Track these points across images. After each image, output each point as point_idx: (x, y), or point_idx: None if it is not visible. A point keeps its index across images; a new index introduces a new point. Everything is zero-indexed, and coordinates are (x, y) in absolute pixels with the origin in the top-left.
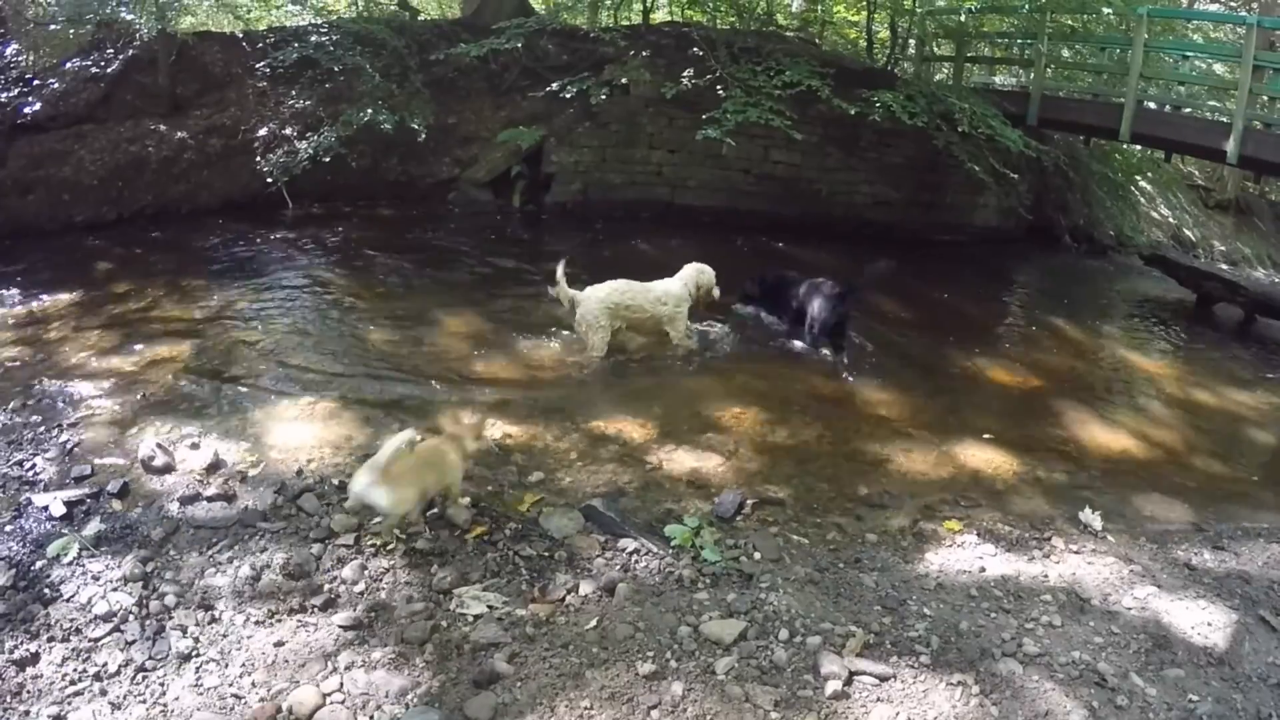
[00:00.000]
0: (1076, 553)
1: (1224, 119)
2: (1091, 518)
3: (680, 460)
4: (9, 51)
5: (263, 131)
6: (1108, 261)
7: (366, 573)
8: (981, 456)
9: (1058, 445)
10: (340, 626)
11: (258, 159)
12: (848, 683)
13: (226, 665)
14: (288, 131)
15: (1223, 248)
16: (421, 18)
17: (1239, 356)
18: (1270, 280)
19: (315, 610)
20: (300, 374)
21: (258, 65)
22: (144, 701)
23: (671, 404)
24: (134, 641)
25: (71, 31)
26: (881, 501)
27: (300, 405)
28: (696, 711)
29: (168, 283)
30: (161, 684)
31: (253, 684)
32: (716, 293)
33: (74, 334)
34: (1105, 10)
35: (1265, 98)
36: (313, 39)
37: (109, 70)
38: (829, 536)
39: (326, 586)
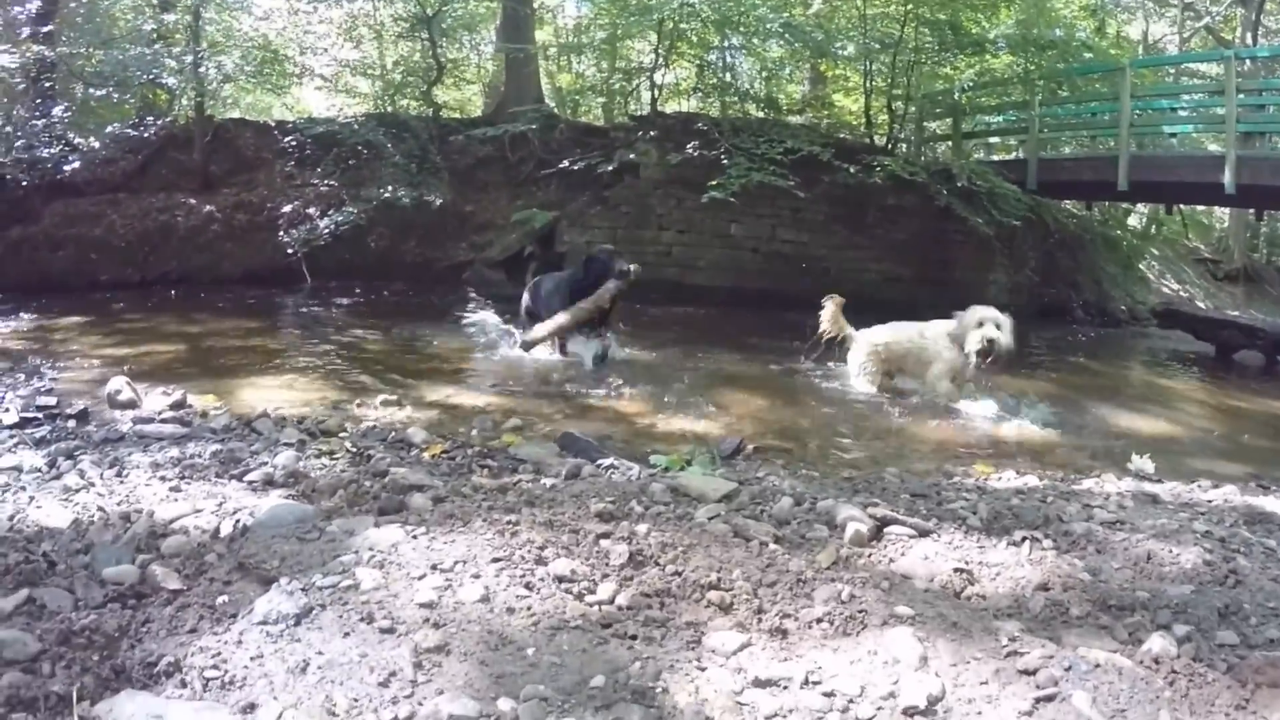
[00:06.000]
0: (1134, 481)
1: (1218, 149)
2: (1143, 463)
3: (674, 423)
4: (55, 111)
5: (287, 209)
6: (1123, 331)
7: (301, 463)
8: (1011, 429)
9: (1093, 426)
10: (248, 483)
11: (280, 234)
12: (875, 533)
13: (106, 495)
14: (311, 211)
15: (1236, 314)
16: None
17: (1263, 389)
18: None
19: (230, 478)
20: (291, 361)
21: (288, 146)
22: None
23: (670, 387)
24: (26, 485)
25: (116, 97)
26: (903, 454)
27: (283, 378)
28: (662, 540)
29: (175, 310)
30: (31, 498)
31: (119, 502)
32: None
33: (77, 337)
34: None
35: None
36: (339, 122)
37: (148, 144)
38: (844, 474)
39: (252, 466)
